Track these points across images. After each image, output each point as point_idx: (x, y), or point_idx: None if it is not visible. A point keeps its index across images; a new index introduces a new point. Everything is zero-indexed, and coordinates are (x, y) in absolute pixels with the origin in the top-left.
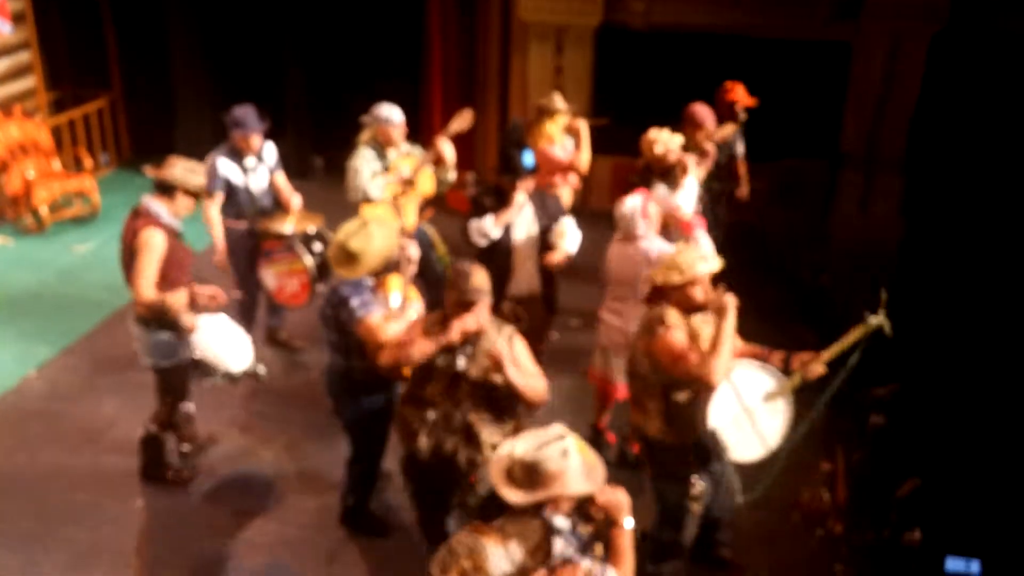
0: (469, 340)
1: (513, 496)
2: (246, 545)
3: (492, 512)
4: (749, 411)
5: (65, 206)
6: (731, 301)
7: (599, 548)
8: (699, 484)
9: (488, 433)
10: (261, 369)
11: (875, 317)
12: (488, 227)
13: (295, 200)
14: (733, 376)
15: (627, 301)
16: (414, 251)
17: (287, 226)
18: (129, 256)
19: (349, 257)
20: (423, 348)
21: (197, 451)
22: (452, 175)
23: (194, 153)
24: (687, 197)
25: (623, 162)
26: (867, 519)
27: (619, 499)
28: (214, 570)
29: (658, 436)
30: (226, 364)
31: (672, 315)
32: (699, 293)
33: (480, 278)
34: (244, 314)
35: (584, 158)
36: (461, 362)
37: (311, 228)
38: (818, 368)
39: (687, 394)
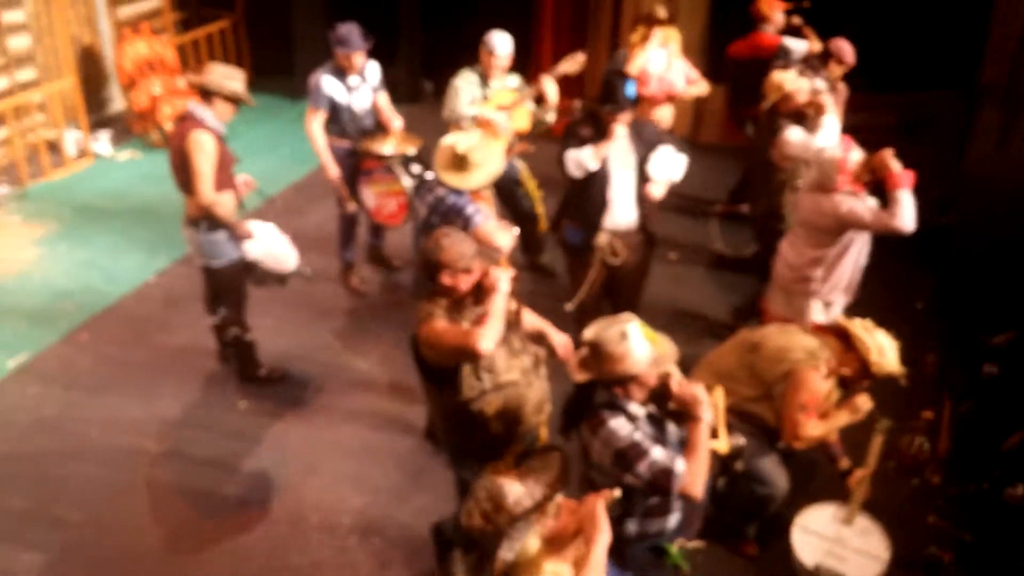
0: (476, 297)
1: (579, 376)
2: (332, 449)
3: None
4: (838, 541)
5: None
6: (865, 407)
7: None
8: (740, 439)
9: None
10: (307, 271)
11: (883, 422)
12: (587, 159)
13: (396, 122)
14: (800, 524)
15: (817, 248)
16: None
17: (387, 147)
18: (180, 160)
19: (465, 165)
20: (497, 318)
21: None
22: (551, 116)
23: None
24: (828, 138)
25: None
26: (968, 471)
27: (695, 393)
28: (302, 467)
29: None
30: (279, 266)
31: (833, 376)
32: (864, 381)
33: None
34: (345, 231)
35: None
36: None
37: (411, 150)
38: (866, 485)
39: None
